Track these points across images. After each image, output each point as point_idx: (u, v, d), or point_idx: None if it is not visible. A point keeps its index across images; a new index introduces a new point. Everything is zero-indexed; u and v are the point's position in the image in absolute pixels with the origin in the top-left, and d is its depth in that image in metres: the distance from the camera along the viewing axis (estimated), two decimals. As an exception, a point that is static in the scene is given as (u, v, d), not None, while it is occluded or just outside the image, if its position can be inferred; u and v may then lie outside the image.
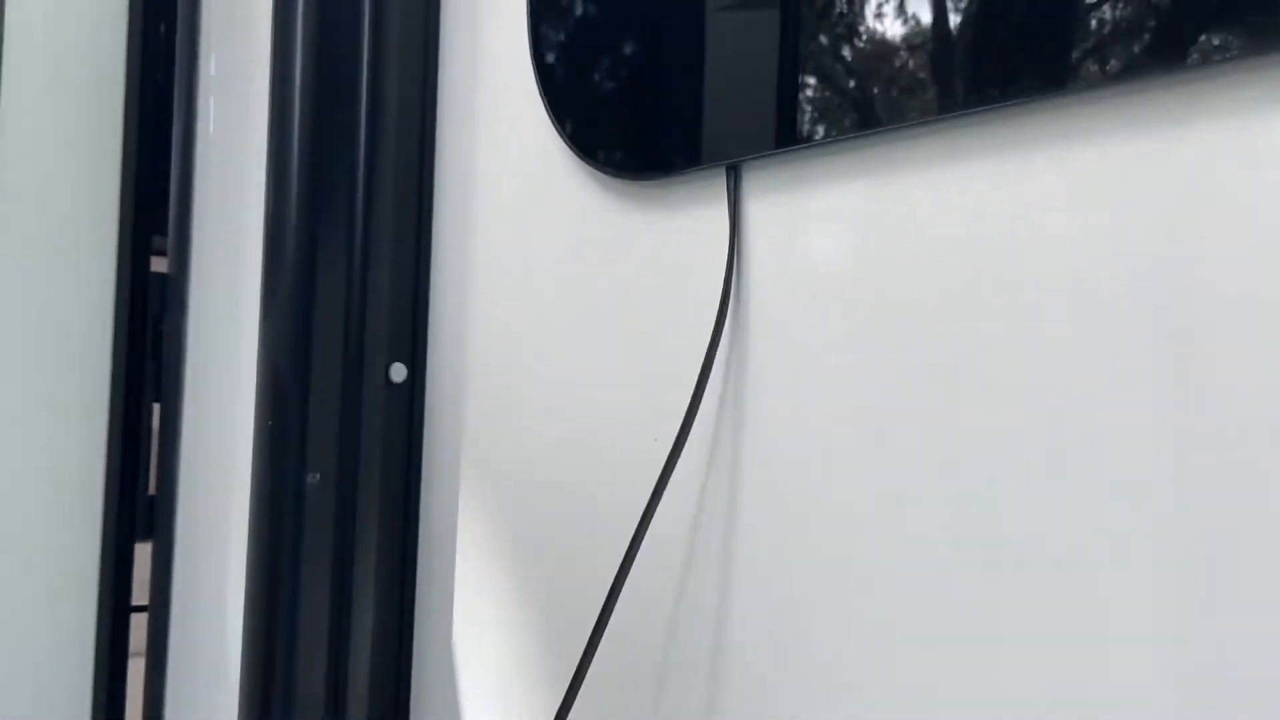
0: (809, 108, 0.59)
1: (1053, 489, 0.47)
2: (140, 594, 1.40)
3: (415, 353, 0.87)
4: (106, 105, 1.34)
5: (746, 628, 0.62)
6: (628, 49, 0.73)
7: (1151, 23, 0.45)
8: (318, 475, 0.83)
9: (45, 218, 1.29)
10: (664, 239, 0.68)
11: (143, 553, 1.41)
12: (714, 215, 0.63)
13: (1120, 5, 0.46)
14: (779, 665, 0.60)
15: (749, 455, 0.61)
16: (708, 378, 0.60)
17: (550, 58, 0.76)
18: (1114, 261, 0.46)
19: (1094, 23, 0.47)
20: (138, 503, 1.39)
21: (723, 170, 0.61)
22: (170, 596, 1.34)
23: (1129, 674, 0.44)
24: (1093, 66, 0.47)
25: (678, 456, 0.60)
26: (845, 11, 0.57)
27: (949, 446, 0.52)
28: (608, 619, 0.62)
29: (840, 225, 0.58)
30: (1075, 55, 0.48)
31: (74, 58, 1.32)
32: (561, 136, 0.74)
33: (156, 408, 1.38)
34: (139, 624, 1.39)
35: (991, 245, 0.51)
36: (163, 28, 1.38)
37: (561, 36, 0.76)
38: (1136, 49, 0.45)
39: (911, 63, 0.54)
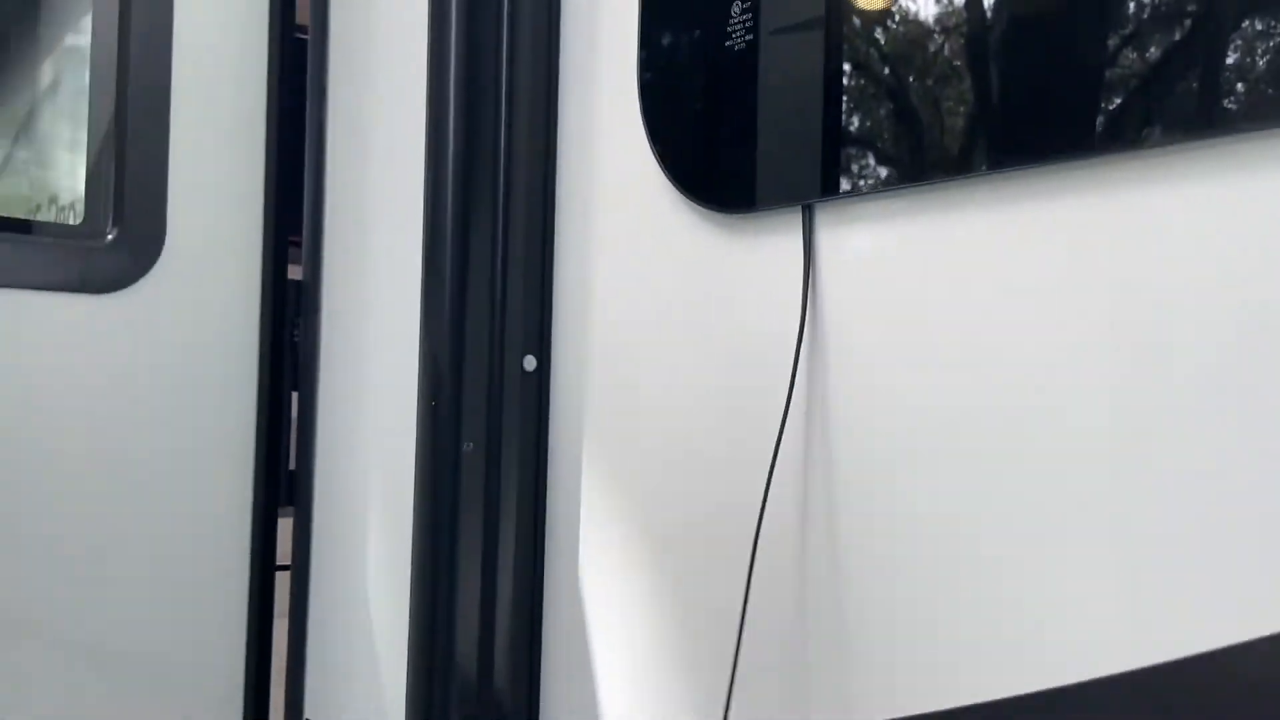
0: (867, 161, 0.79)
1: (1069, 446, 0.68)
2: (283, 555, 1.63)
3: (543, 347, 1.09)
4: (252, 145, 1.56)
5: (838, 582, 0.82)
6: (720, 106, 0.93)
7: (1147, 102, 0.64)
8: (471, 444, 1.04)
9: (205, 239, 1.51)
10: (749, 260, 0.88)
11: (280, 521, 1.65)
12: (789, 242, 0.83)
13: (1122, 86, 0.65)
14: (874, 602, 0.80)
15: (831, 433, 0.82)
16: (795, 380, 0.80)
17: (655, 109, 0.97)
18: (1100, 293, 0.66)
19: (1103, 101, 0.66)
20: (280, 476, 1.62)
21: (799, 208, 0.82)
22: (310, 556, 1.57)
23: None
24: (1104, 135, 0.66)
25: (780, 438, 0.80)
26: (898, 85, 0.77)
27: (981, 428, 0.72)
28: (752, 573, 0.82)
29: (891, 255, 0.78)
30: (1093, 126, 0.67)
31: (227, 107, 1.55)
32: (665, 175, 0.95)
33: (295, 396, 1.61)
34: (282, 580, 1.63)
35: (1001, 278, 0.71)
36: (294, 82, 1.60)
37: (665, 92, 0.97)
38: (1137, 125, 0.65)
39: (952, 126, 0.74)
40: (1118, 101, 0.66)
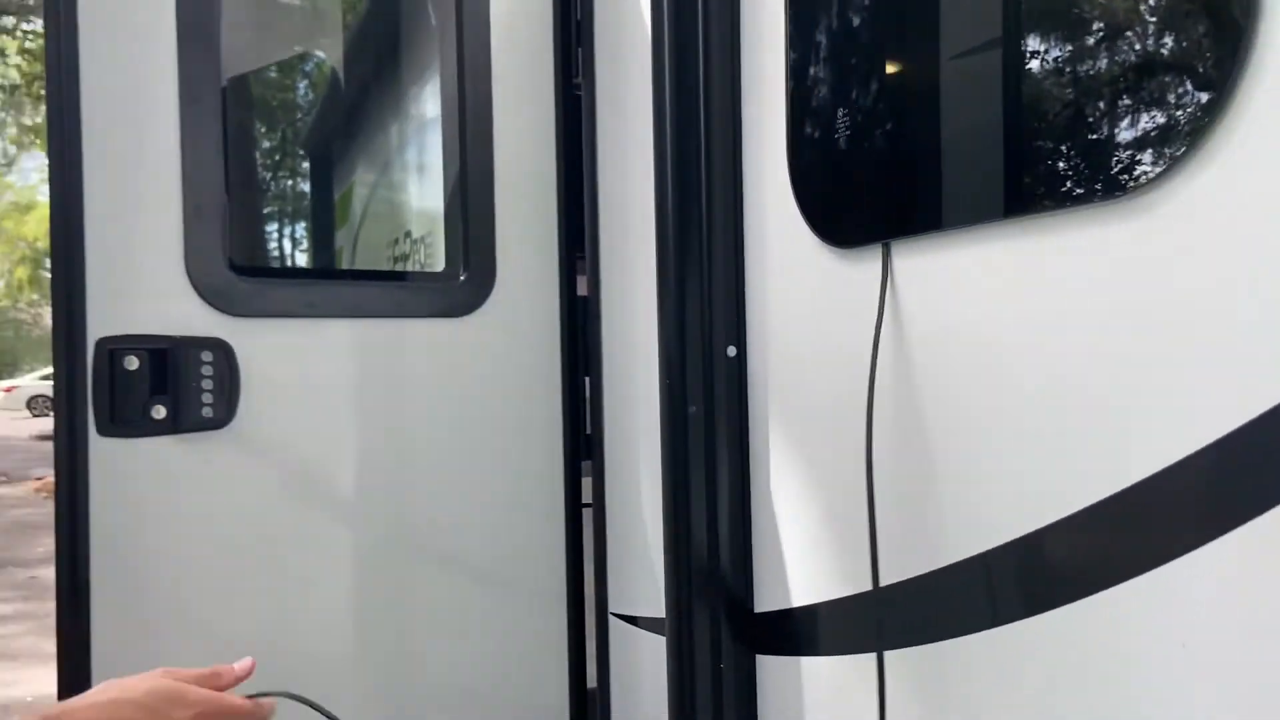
0: (920, 214, 1.21)
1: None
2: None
3: (740, 340, 1.58)
4: (546, 193, 2.16)
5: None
6: (833, 177, 1.37)
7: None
8: (694, 408, 1.56)
9: (521, 272, 2.13)
10: (855, 279, 1.32)
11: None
12: (877, 267, 1.27)
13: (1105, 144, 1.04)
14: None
15: (899, 387, 1.25)
16: (876, 358, 1.24)
17: (797, 178, 1.43)
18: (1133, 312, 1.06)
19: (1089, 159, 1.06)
20: (580, 438, 2.22)
21: (880, 245, 1.25)
22: (604, 494, 2.15)
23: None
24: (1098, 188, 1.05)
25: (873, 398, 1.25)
26: (928, 166, 1.19)
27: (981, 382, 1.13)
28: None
29: (946, 275, 1.20)
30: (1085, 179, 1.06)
31: (527, 163, 2.14)
32: (805, 222, 1.41)
33: (587, 380, 2.20)
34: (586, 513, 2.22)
35: (1019, 296, 1.11)
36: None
37: (803, 167, 1.42)
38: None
39: (962, 189, 1.15)
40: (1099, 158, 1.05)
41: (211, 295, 1.80)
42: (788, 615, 1.55)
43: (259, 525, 1.87)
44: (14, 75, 19.33)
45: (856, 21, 1.33)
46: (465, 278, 2.08)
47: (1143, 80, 0.94)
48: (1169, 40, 0.92)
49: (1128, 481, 0.96)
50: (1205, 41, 0.89)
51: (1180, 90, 0.90)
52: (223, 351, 1.80)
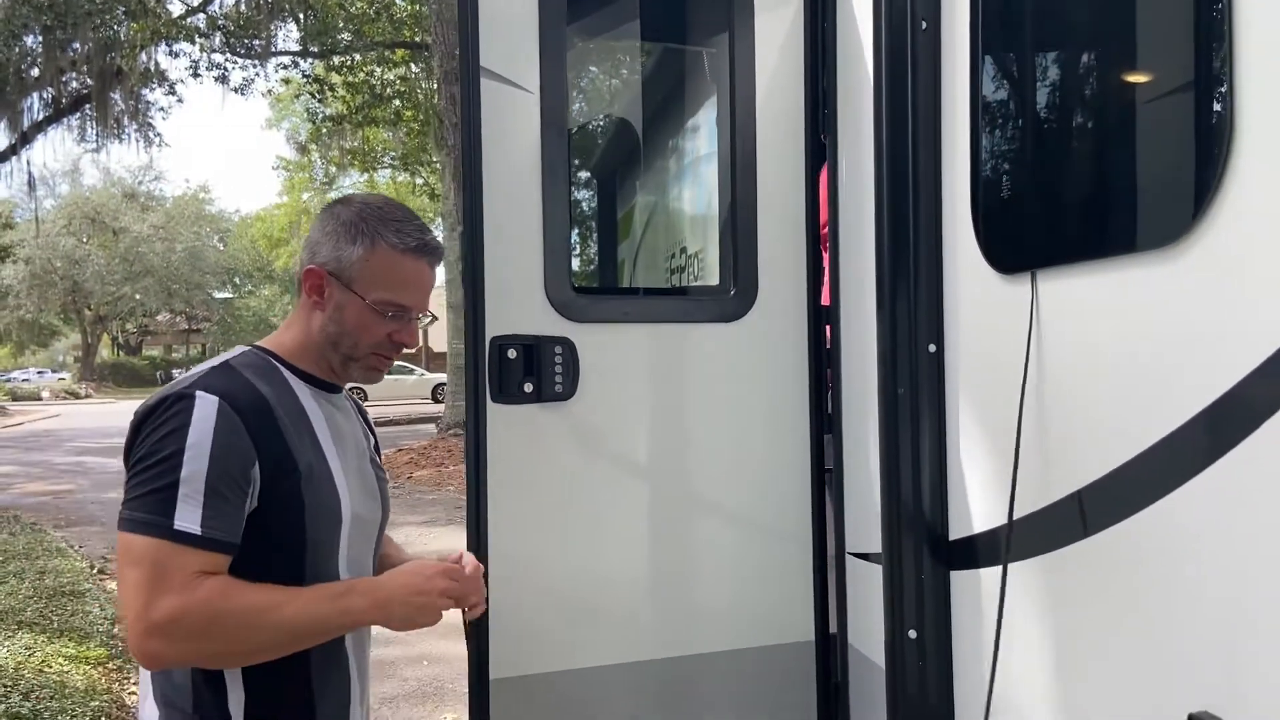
0: (1056, 249, 1.74)
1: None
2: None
3: (939, 339, 2.14)
4: (797, 223, 2.78)
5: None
6: (996, 219, 1.91)
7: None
8: (903, 389, 2.14)
9: (777, 286, 2.76)
10: (1016, 296, 1.85)
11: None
12: (1029, 290, 1.80)
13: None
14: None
15: (1049, 396, 1.78)
16: (1026, 377, 1.78)
17: (975, 217, 1.97)
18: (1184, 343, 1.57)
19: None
20: (823, 415, 2.82)
21: (1029, 272, 1.79)
22: (842, 461, 2.73)
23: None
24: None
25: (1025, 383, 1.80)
26: (1064, 215, 1.72)
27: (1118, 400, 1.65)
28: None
29: (1079, 295, 1.72)
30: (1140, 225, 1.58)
31: (781, 198, 2.78)
32: (980, 252, 1.95)
33: (829, 371, 2.80)
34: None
35: (1128, 326, 1.63)
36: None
37: (978, 208, 1.97)
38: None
39: (1077, 227, 1.68)
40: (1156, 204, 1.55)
41: (561, 307, 2.58)
42: (975, 538, 2.09)
43: (590, 469, 2.63)
44: (339, 106, 22.36)
45: (1005, 124, 1.88)
46: (735, 291, 2.75)
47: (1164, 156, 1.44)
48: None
49: (1181, 421, 1.46)
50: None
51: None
52: (568, 346, 2.57)
